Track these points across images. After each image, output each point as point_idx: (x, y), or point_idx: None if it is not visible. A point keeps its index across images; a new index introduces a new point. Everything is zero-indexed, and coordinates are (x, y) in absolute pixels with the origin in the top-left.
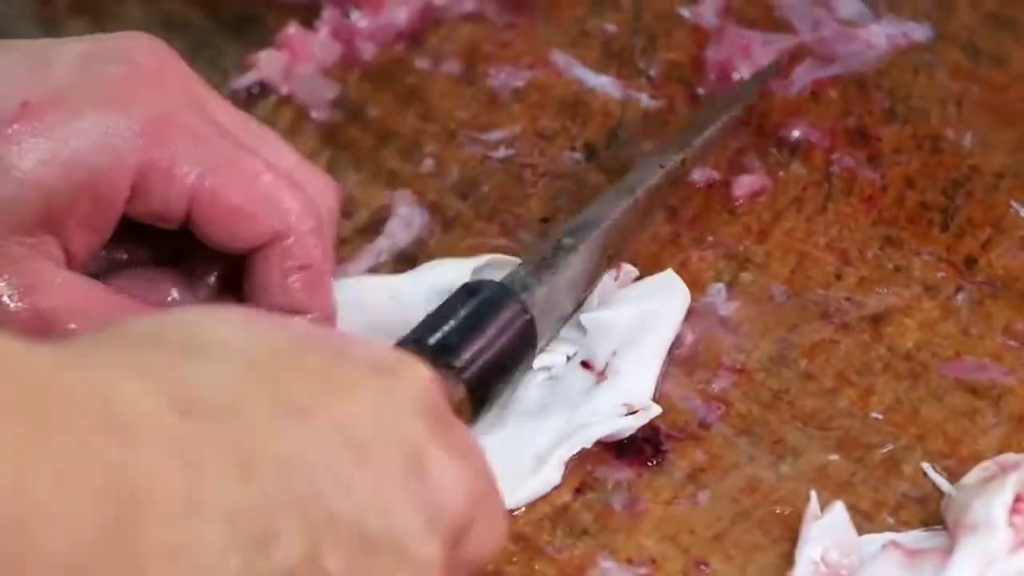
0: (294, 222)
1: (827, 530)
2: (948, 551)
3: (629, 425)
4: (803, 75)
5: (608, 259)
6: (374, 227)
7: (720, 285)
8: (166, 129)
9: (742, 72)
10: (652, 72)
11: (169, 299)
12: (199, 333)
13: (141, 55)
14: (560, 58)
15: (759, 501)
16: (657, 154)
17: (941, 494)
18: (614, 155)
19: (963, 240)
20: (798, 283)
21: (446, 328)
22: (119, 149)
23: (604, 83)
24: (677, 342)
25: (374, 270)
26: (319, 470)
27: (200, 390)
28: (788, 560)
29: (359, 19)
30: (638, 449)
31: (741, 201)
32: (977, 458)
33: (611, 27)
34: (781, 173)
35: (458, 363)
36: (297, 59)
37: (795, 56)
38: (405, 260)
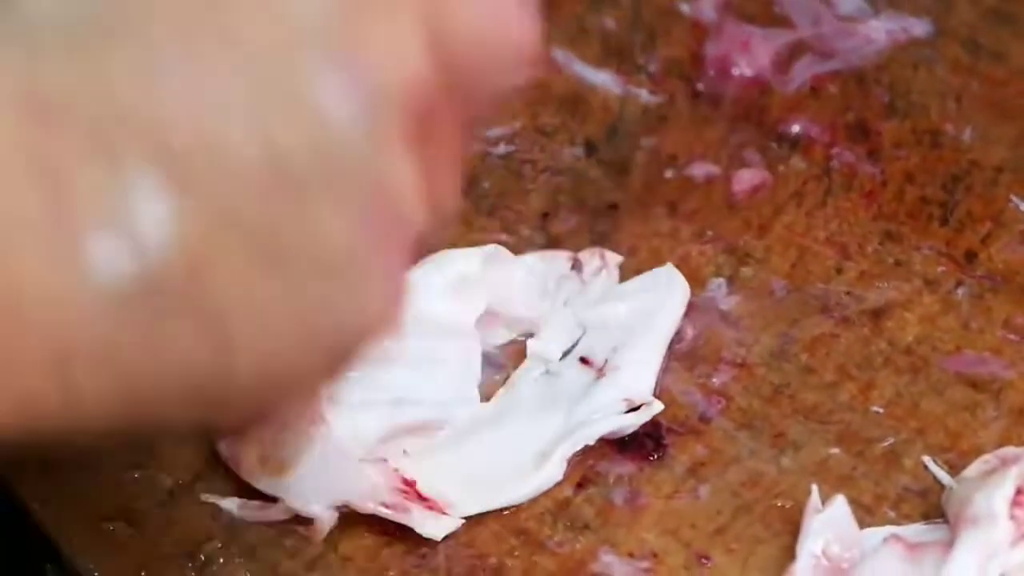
0: None
1: (828, 523)
2: (949, 544)
3: (631, 422)
4: (802, 70)
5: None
6: None
7: (720, 280)
8: None
9: (741, 67)
10: (652, 68)
11: None
12: None
13: None
14: (560, 54)
15: (760, 495)
16: None
17: (942, 487)
18: (614, 150)
19: (963, 234)
20: (798, 277)
21: None
22: None
23: (604, 79)
24: (677, 337)
25: None
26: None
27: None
28: (789, 553)
29: None
30: (639, 444)
31: (741, 196)
32: (978, 451)
33: (610, 23)
34: (781, 168)
35: None
36: None
37: (795, 51)
38: None
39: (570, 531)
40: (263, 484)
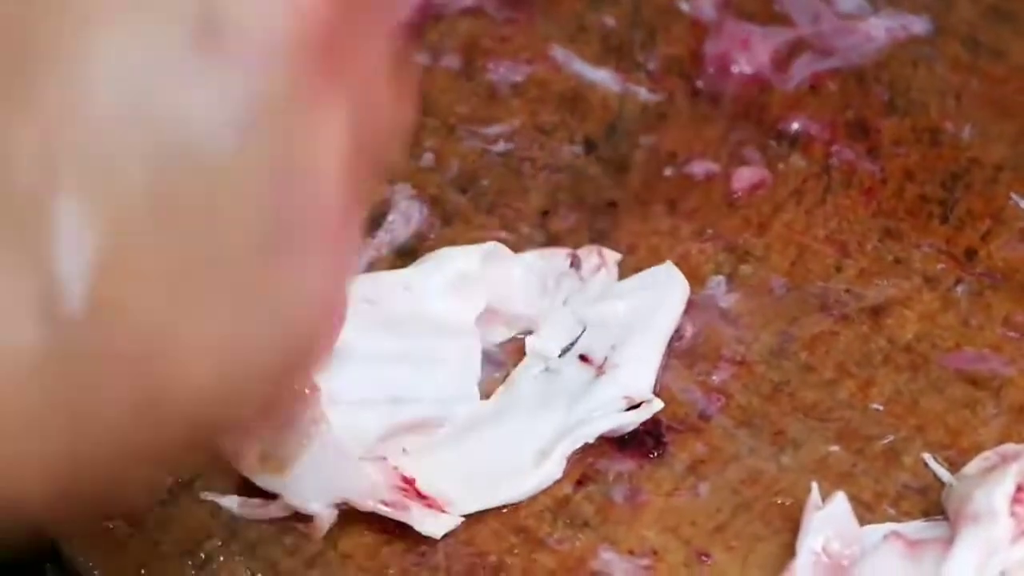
0: None
1: (828, 521)
2: (949, 541)
3: (631, 420)
4: (802, 68)
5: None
6: (374, 221)
7: (720, 277)
8: None
9: (741, 65)
10: (651, 66)
11: None
12: None
13: None
14: (559, 52)
15: (760, 492)
16: None
17: (942, 484)
18: (613, 148)
19: (963, 232)
20: (798, 275)
21: None
22: None
23: (603, 77)
24: (677, 334)
25: (374, 264)
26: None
27: None
28: (789, 551)
29: None
30: (639, 441)
31: (740, 194)
32: (978, 448)
33: (610, 21)
34: (780, 166)
35: None
36: None
37: (794, 49)
38: (405, 254)
39: (570, 529)
40: (263, 481)
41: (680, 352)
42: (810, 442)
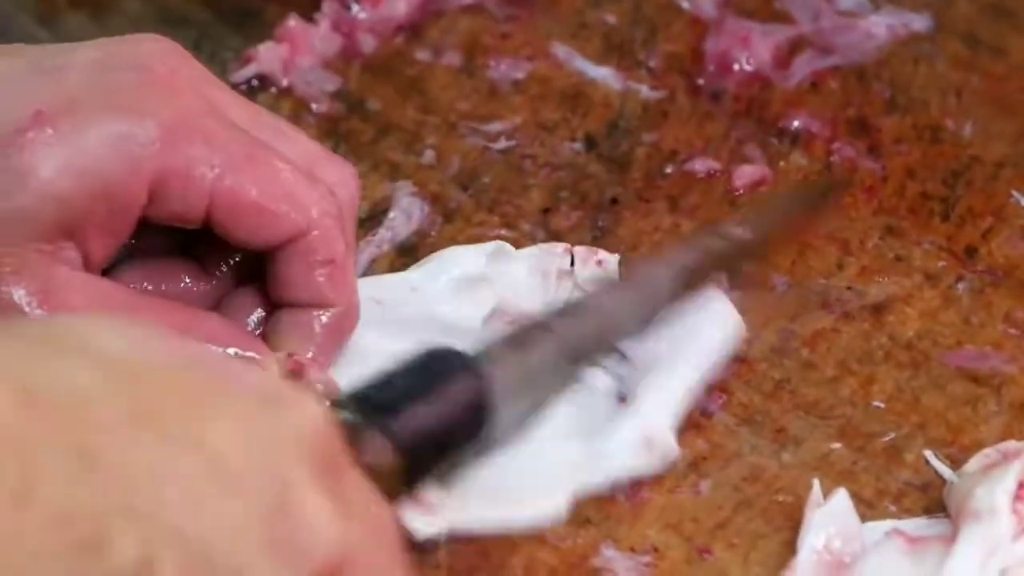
0: (316, 217)
1: (830, 518)
2: (951, 538)
3: (646, 464)
4: (803, 66)
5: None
6: (375, 219)
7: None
8: (181, 133)
9: (742, 63)
10: (652, 63)
11: (182, 286)
12: (75, 334)
13: (153, 59)
14: (560, 50)
15: (761, 490)
16: (673, 261)
17: (943, 482)
18: (614, 146)
19: (963, 229)
20: (799, 273)
21: (392, 390)
22: (134, 155)
23: (604, 74)
24: None
25: (376, 262)
26: (168, 483)
27: (50, 385)
28: (791, 548)
29: (359, 12)
30: None
31: (742, 191)
32: (979, 446)
33: (611, 19)
34: (781, 163)
35: (393, 425)
36: (297, 52)
37: (795, 47)
38: (407, 252)
39: (571, 526)
40: None
41: None
42: (811, 439)
